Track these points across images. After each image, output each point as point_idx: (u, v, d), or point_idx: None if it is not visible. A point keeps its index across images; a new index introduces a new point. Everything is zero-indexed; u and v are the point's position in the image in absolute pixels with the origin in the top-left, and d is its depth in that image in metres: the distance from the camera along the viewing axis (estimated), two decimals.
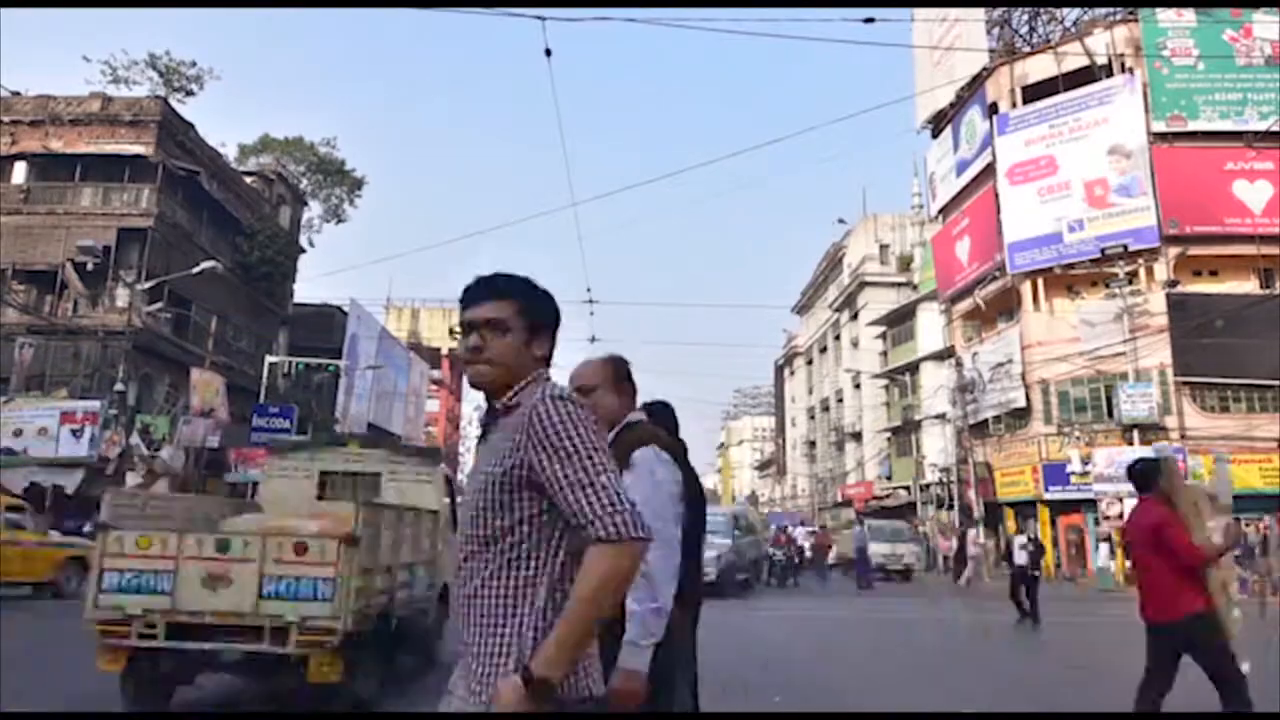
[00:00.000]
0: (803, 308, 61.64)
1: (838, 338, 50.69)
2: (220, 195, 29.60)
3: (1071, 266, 27.53)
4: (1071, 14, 31.05)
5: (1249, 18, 26.78)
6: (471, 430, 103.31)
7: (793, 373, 63.82)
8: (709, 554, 13.27)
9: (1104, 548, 23.44)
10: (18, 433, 21.71)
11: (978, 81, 30.78)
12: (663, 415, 2.98)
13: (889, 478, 41.09)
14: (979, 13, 31.45)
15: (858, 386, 45.89)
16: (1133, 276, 25.90)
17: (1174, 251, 26.04)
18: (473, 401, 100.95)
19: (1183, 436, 24.68)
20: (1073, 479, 25.47)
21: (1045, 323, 28.12)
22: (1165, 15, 27.30)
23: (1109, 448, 24.96)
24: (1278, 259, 25.82)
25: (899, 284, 44.31)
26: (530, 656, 1.47)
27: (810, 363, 59.23)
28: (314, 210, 42.55)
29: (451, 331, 1.84)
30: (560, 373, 1.94)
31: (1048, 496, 26.58)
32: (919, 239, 43.34)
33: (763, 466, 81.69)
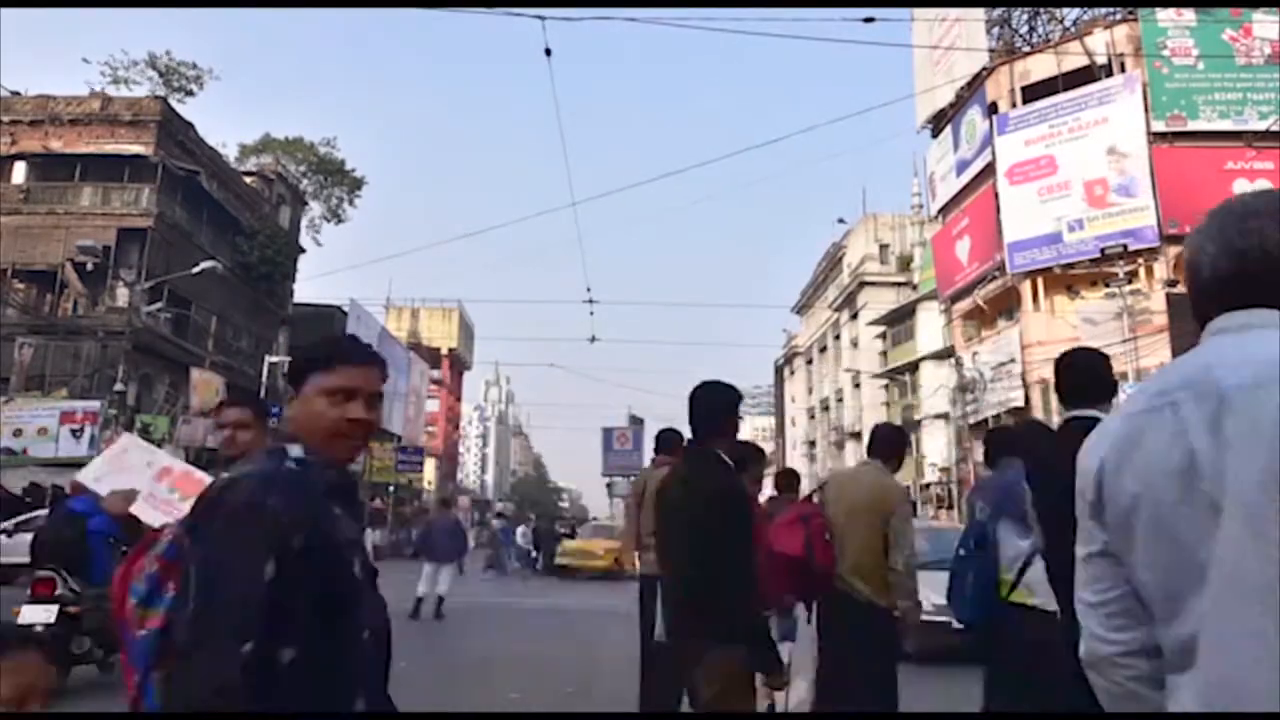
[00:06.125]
0: (803, 308, 61.66)
1: (837, 337, 50.71)
2: (220, 195, 29.61)
3: (1071, 266, 27.53)
4: (1071, 14, 31.07)
5: (1249, 17, 26.75)
6: (471, 430, 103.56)
7: (793, 373, 63.84)
8: None
9: None
10: (18, 433, 21.72)
11: (977, 81, 30.77)
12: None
13: None
14: (979, 12, 31.43)
15: (858, 386, 45.90)
16: (1132, 276, 25.89)
17: (1174, 251, 26.00)
18: (473, 401, 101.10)
19: None
20: None
21: (1045, 322, 28.12)
22: (1165, 15, 27.28)
23: None
24: None
25: (899, 284, 44.32)
26: None
27: (810, 363, 59.25)
28: (314, 210, 42.58)
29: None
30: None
31: None
32: (919, 239, 43.34)
33: None
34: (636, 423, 44.42)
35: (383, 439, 41.74)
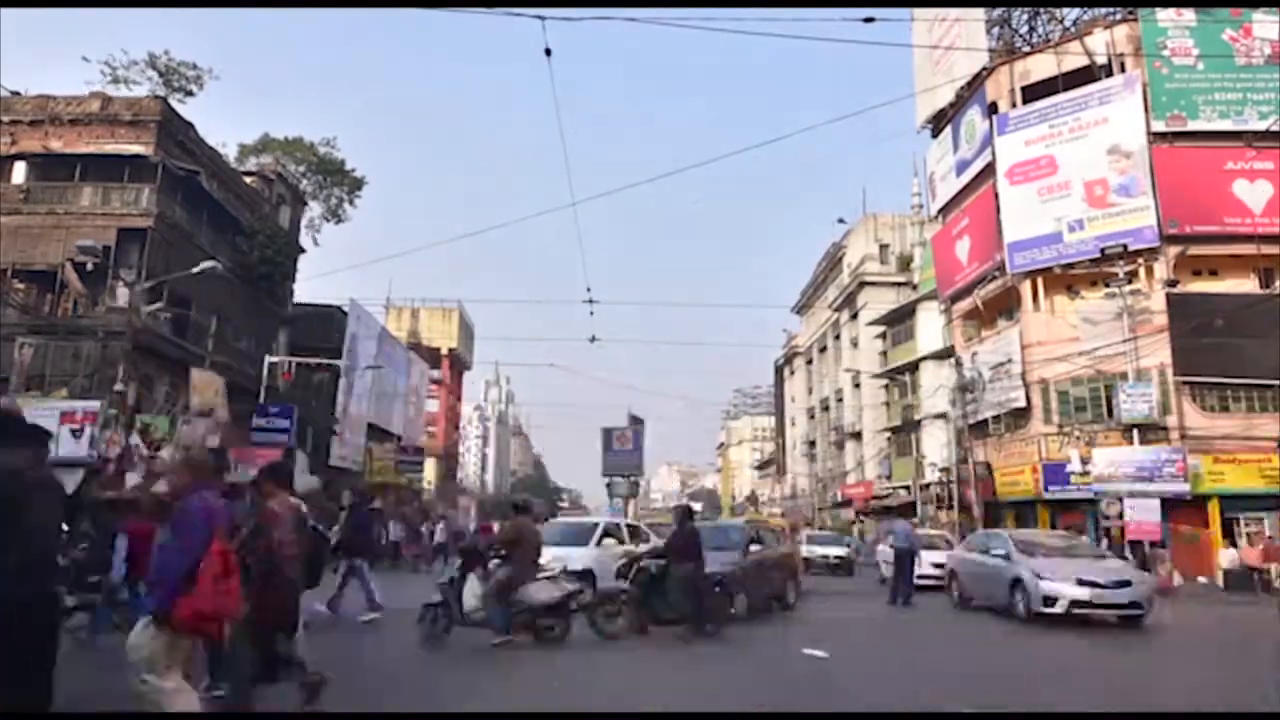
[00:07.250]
0: (803, 308, 61.68)
1: (838, 337, 50.72)
2: (220, 195, 29.57)
3: (1071, 266, 27.52)
4: (1071, 14, 31.06)
5: (1249, 17, 26.75)
6: (471, 430, 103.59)
7: (793, 372, 63.85)
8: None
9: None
10: None
11: (977, 81, 30.76)
12: None
13: (889, 477, 41.10)
14: (979, 12, 31.41)
15: (857, 386, 45.90)
16: (1132, 276, 25.87)
17: (1174, 251, 26.03)
18: (473, 401, 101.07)
19: (1183, 436, 24.67)
20: (1073, 479, 25.43)
21: (1045, 322, 28.12)
22: (1165, 15, 27.27)
23: (1109, 448, 24.96)
24: (1278, 259, 25.80)
25: (899, 284, 44.35)
26: None
27: (810, 363, 59.25)
28: (314, 210, 42.52)
29: None
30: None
31: (1047, 496, 26.56)
32: (919, 239, 43.37)
33: (763, 466, 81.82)
34: (636, 423, 44.32)
35: (383, 439, 41.74)
